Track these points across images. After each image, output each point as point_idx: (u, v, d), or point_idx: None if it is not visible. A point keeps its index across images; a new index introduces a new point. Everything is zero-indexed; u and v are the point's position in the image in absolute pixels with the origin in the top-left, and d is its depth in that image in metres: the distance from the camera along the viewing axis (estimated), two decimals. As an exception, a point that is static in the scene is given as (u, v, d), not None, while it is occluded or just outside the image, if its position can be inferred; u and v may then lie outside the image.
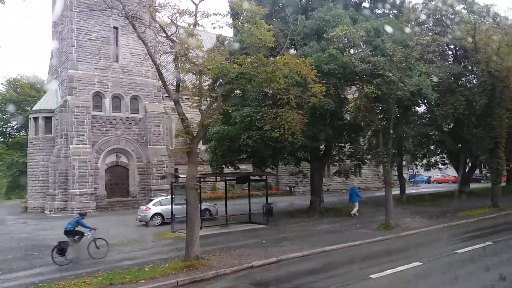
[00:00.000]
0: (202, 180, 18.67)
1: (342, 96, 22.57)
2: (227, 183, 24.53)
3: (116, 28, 31.98)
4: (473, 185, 36.34)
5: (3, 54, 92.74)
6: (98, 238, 13.50)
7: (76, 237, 13.13)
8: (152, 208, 21.47)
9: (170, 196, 19.84)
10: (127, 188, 32.88)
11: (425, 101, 24.96)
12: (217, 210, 22.20)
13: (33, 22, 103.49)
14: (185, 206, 14.49)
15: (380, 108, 19.53)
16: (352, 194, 21.96)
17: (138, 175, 32.88)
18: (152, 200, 23.93)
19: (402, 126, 21.55)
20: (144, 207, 21.85)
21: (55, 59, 34.70)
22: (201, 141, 15.74)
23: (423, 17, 28.44)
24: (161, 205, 21.57)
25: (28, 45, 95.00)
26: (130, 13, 12.71)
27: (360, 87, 19.40)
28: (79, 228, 13.28)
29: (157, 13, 12.89)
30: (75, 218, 13.59)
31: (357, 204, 21.66)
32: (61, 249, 12.54)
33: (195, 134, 12.57)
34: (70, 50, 30.59)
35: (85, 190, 29.38)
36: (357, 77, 19.12)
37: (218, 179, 24.18)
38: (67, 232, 13.08)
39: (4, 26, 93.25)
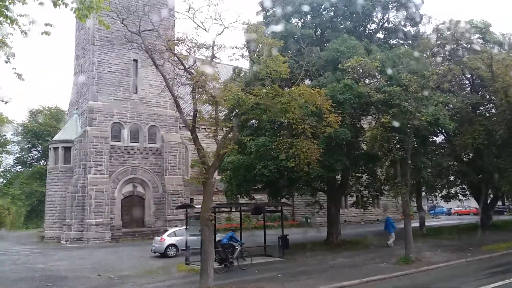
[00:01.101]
0: (217, 210, 18.56)
1: (358, 125, 22.48)
2: (242, 213, 24.24)
3: (135, 60, 32.94)
4: (495, 217, 35.12)
5: (27, 87, 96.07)
6: (245, 250, 16.57)
7: (230, 249, 15.94)
8: (167, 239, 21.28)
9: (185, 227, 19.68)
10: (143, 218, 32.84)
11: (443, 131, 24.65)
12: (232, 241, 21.88)
13: (56, 56, 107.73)
14: (199, 237, 14.40)
15: (397, 138, 19.32)
16: (387, 224, 22.65)
17: (153, 205, 32.91)
18: (167, 230, 23.78)
19: (420, 156, 21.19)
20: (159, 238, 21.69)
21: (76, 90, 35.76)
22: (216, 171, 15.79)
23: (437, 47, 28.49)
24: (175, 236, 21.36)
25: (50, 77, 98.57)
26: (149, 47, 13.14)
27: (376, 116, 19.30)
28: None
29: (176, 47, 13.28)
30: (228, 233, 16.73)
31: (393, 235, 22.07)
32: (220, 258, 15.48)
33: (210, 164, 12.59)
34: (91, 82, 31.53)
35: (101, 220, 29.47)
36: (373, 107, 19.07)
37: (233, 209, 23.91)
38: (223, 245, 16.00)
39: (28, 59, 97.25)
